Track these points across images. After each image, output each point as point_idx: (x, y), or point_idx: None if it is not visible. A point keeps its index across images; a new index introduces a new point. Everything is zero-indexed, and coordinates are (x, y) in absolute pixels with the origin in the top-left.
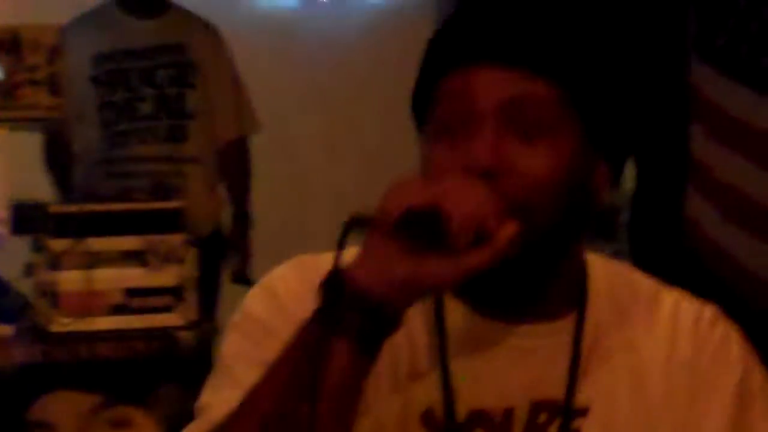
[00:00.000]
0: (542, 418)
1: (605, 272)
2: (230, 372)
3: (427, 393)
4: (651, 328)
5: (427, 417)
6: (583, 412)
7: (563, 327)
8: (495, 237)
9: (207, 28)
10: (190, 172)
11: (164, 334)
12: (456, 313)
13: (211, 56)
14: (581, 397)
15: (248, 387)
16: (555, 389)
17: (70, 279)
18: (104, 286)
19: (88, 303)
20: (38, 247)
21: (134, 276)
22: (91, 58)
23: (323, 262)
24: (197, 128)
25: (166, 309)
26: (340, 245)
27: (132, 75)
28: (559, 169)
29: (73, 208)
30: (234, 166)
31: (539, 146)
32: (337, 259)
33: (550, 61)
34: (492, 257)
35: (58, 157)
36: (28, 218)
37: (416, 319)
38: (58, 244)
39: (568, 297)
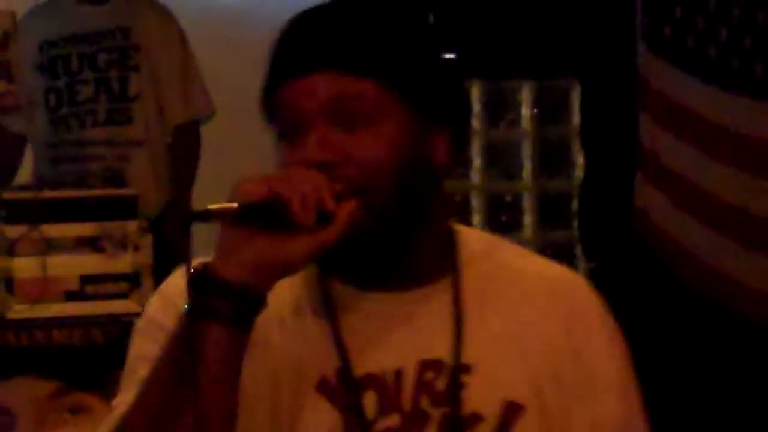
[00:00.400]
0: (429, 375)
1: (477, 240)
2: (135, 373)
3: (321, 363)
4: (524, 291)
5: (322, 385)
6: (467, 368)
7: (441, 291)
8: (336, 216)
9: (156, 12)
10: (134, 156)
11: (120, 320)
12: (339, 291)
13: (158, 38)
14: (464, 355)
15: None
16: (439, 349)
17: (25, 265)
18: (59, 272)
19: (43, 289)
20: None
21: (90, 262)
22: (38, 45)
23: None
24: (142, 111)
25: (122, 295)
26: (183, 238)
27: (73, 59)
28: (387, 151)
29: (27, 194)
30: (180, 150)
31: (364, 135)
32: (185, 251)
33: (358, 60)
34: (336, 234)
35: None
36: None
37: (304, 301)
38: (12, 231)
39: (439, 264)
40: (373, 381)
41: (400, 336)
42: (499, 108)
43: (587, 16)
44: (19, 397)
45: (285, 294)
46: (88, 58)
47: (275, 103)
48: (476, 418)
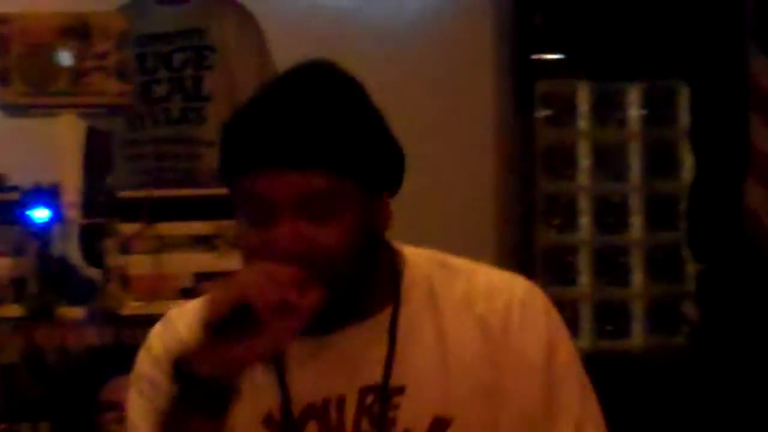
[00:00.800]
0: (369, 400)
1: (422, 262)
2: (130, 425)
3: (266, 401)
4: (461, 310)
5: (267, 420)
6: (400, 389)
7: (381, 321)
8: (299, 308)
9: (234, 13)
10: (206, 155)
11: None
12: None
13: (235, 40)
14: (397, 378)
15: None
16: (377, 374)
17: (139, 263)
18: (173, 270)
19: (157, 287)
20: (109, 232)
21: (203, 260)
22: None
23: (186, 312)
24: (215, 111)
25: None
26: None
27: (149, 59)
28: (349, 237)
29: (142, 193)
30: None
31: (330, 226)
32: (181, 358)
33: (324, 159)
34: (301, 324)
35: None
36: (98, 203)
37: None
38: (127, 228)
39: (383, 296)
40: (314, 412)
41: (342, 366)
42: (607, 109)
43: (696, 16)
44: None
45: None
46: (163, 57)
47: (244, 187)
48: None
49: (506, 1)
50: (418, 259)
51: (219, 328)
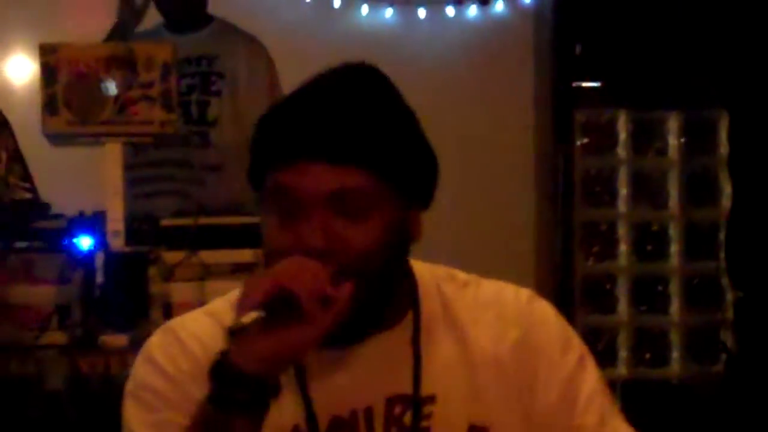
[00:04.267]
0: (397, 410)
1: (430, 274)
2: None
3: (291, 414)
4: (476, 316)
5: None
6: (431, 399)
7: (401, 330)
8: (335, 300)
9: (246, 41)
10: (210, 180)
11: None
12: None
13: (244, 67)
14: (425, 387)
15: None
16: (403, 384)
17: (183, 290)
18: (217, 297)
19: None
20: (152, 260)
21: None
22: None
23: (187, 322)
24: (220, 136)
25: None
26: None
27: None
28: (380, 237)
29: (185, 221)
30: None
31: (362, 224)
32: (224, 356)
33: (363, 156)
34: (337, 316)
35: None
36: (141, 231)
37: None
38: (171, 257)
39: (402, 307)
40: (342, 424)
41: (366, 377)
42: (647, 137)
43: (735, 46)
44: None
45: None
46: None
47: (278, 181)
48: None
49: (546, 29)
50: (423, 271)
51: (257, 320)
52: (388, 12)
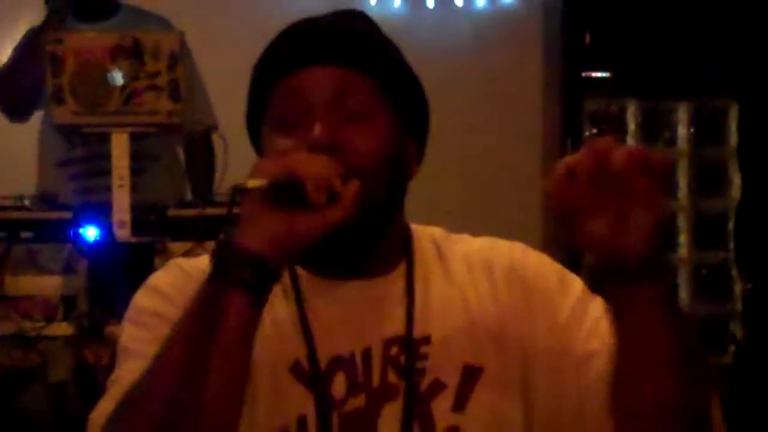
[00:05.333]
0: (394, 351)
1: (424, 229)
2: (129, 351)
3: (293, 348)
4: (471, 262)
5: (295, 368)
6: (426, 339)
7: (397, 275)
8: (343, 194)
9: (155, 22)
10: (148, 169)
11: None
12: (306, 279)
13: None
14: (421, 328)
15: (148, 356)
16: (399, 326)
17: None
18: None
19: None
20: (159, 250)
21: None
22: None
23: (196, 261)
24: None
25: None
26: (231, 208)
27: None
28: (380, 143)
29: (191, 211)
30: (197, 158)
31: (362, 127)
32: (228, 219)
33: (363, 60)
34: (343, 212)
35: None
36: (147, 222)
37: (275, 287)
38: (178, 248)
39: (397, 253)
40: (341, 363)
41: (364, 319)
42: (656, 127)
43: (745, 35)
44: None
45: None
46: None
47: (281, 90)
48: (438, 385)
49: (555, 19)
50: (421, 230)
51: (265, 198)
52: (397, 2)
